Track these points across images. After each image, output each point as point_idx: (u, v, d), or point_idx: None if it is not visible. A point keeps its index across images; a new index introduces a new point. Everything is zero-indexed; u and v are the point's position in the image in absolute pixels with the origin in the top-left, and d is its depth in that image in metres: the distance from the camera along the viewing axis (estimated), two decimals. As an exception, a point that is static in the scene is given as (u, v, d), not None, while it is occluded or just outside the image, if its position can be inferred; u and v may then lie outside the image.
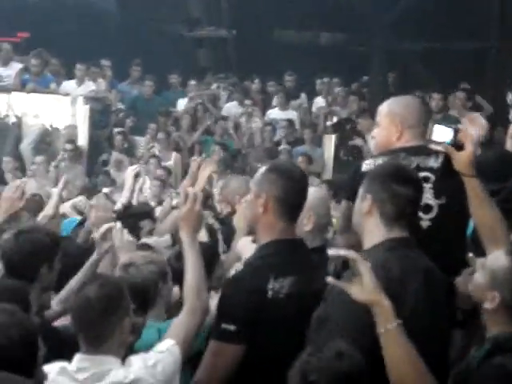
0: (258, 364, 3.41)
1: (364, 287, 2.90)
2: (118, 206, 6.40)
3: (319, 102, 14.10)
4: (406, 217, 3.33)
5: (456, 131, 3.62)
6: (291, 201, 3.57)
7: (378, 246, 3.28)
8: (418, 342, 3.01)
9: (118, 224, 4.60)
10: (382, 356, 2.99)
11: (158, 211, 7.00)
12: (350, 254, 2.92)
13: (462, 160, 3.57)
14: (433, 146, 3.77)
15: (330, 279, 2.93)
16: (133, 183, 6.57)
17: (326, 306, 3.20)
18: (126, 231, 4.51)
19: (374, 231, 3.32)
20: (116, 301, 3.35)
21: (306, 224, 4.15)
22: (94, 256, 4.59)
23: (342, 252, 2.91)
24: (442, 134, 3.64)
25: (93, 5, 16.01)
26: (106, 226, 4.62)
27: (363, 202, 3.37)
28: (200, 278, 3.65)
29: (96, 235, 4.64)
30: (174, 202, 4.04)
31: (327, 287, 3.21)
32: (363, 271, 2.90)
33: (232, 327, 3.37)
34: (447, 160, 3.65)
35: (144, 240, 5.33)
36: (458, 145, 3.59)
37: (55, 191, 6.43)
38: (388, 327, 2.91)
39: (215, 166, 9.37)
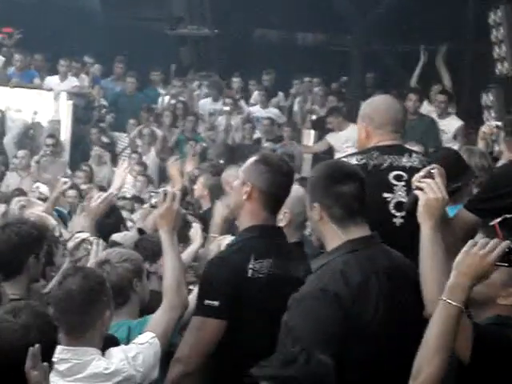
0: (237, 341, 3.52)
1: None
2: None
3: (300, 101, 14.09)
4: (357, 214, 3.28)
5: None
6: (274, 194, 3.69)
7: (338, 248, 3.25)
8: (383, 345, 3.09)
9: (101, 241, 4.58)
10: (344, 365, 3.00)
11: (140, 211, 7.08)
12: None
13: None
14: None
15: None
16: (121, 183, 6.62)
17: (291, 314, 3.19)
18: (102, 247, 4.48)
19: (332, 236, 3.28)
20: (97, 293, 3.45)
21: (281, 220, 4.20)
22: (66, 265, 4.57)
23: None
24: None
25: (77, 2, 16.04)
26: (81, 236, 4.59)
27: (312, 211, 3.32)
28: (180, 274, 3.77)
29: (69, 244, 4.59)
30: (153, 201, 4.11)
31: (290, 295, 3.22)
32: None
33: (216, 303, 3.50)
34: None
35: (112, 237, 5.35)
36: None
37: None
38: (455, 303, 2.89)
39: (195, 164, 9.49)
